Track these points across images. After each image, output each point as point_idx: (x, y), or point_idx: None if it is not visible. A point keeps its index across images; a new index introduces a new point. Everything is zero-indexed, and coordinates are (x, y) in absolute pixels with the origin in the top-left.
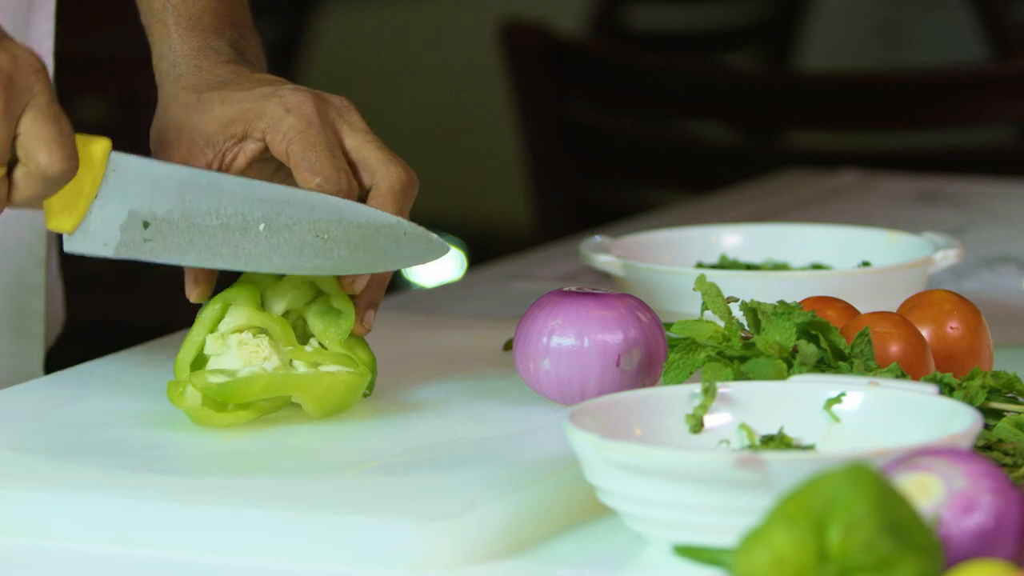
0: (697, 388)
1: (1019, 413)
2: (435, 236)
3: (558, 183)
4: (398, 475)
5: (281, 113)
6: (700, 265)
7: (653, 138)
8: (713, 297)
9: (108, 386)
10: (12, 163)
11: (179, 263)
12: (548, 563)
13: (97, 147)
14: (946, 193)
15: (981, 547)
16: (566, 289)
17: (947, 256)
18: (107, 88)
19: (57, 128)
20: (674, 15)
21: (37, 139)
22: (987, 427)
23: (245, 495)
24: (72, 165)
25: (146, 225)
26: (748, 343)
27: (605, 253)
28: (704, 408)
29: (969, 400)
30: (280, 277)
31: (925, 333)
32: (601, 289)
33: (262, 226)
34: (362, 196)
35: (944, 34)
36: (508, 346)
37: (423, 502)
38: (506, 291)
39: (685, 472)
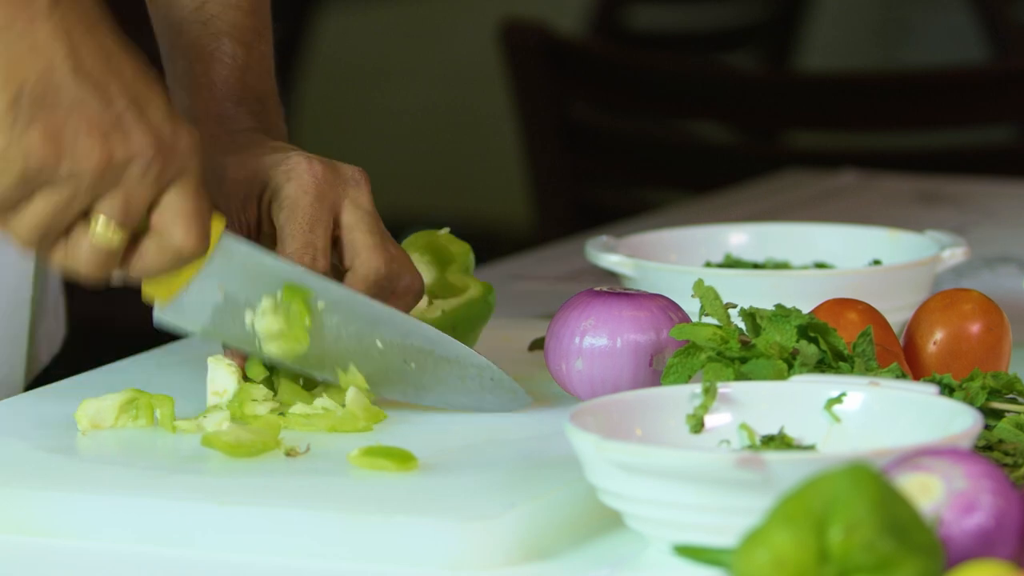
0: (698, 388)
1: (1019, 413)
2: (519, 388)
3: (558, 183)
4: (434, 476)
5: (282, 181)
6: (708, 264)
7: (653, 138)
8: (711, 301)
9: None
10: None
11: (258, 356)
12: (585, 563)
13: (214, 225)
14: (946, 193)
15: (981, 547)
16: (597, 289)
17: (955, 254)
18: None
19: (200, 206)
20: (674, 15)
21: (179, 213)
22: (987, 427)
23: (281, 496)
24: (204, 246)
25: (236, 314)
26: (748, 344)
27: (613, 253)
28: (705, 408)
29: (969, 400)
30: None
31: (956, 331)
32: (632, 289)
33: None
34: (339, 274)
35: (944, 34)
36: (534, 346)
37: (462, 503)
38: (506, 291)
39: (685, 472)
